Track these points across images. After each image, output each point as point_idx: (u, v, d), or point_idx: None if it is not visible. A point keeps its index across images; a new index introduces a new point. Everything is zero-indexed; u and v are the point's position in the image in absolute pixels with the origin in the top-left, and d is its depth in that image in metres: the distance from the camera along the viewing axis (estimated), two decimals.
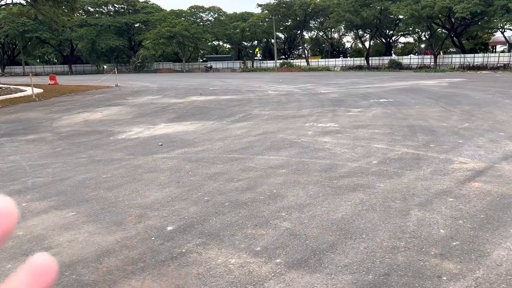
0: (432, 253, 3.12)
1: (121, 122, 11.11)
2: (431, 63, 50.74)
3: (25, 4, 32.67)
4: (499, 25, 43.94)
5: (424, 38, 60.89)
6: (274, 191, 4.67)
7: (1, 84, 30.47)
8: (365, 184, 4.84)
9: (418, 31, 59.13)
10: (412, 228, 3.56)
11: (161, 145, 7.78)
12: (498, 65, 43.39)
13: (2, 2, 32.94)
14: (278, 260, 3.04)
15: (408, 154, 6.37)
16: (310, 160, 6.13)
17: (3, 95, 21.32)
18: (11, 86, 27.35)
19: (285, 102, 14.91)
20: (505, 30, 45.91)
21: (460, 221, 3.71)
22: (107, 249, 3.28)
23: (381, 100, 14.76)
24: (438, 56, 50.42)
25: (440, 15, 43.94)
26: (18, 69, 66.32)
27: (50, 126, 10.70)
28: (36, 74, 60.14)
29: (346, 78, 31.44)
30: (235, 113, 12.19)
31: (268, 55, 72.49)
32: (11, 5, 35.91)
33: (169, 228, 3.69)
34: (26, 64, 70.93)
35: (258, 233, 3.51)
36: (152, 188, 4.97)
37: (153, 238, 3.47)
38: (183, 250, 3.24)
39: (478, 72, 40.37)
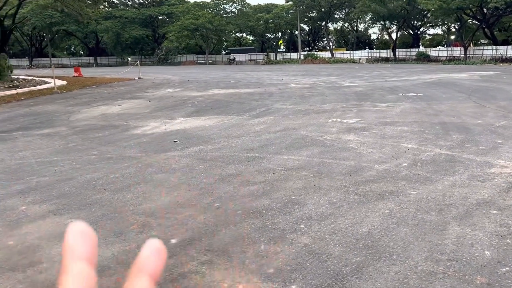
0: (478, 282, 2.63)
1: (139, 116, 10.84)
2: (461, 56, 48.98)
3: None
4: None
5: (453, 30, 58.82)
6: (292, 197, 4.23)
7: (28, 76, 30.89)
8: (394, 191, 4.33)
9: (447, 22, 57.12)
10: (451, 248, 3.06)
11: (176, 141, 7.43)
12: None
13: None
14: (293, 287, 2.61)
15: (442, 155, 5.81)
16: (333, 161, 5.65)
17: (27, 87, 21.46)
18: (37, 78, 27.62)
19: (308, 96, 14.37)
20: None
21: (508, 240, 3.18)
22: (101, 266, 2.92)
23: (410, 94, 14.04)
24: (468, 48, 48.57)
25: (471, 6, 42.17)
26: (45, 61, 67.50)
27: (67, 120, 10.51)
28: (63, 66, 61.19)
29: (372, 71, 30.52)
30: (255, 108, 11.75)
31: (291, 47, 71.57)
32: None
33: (173, 241, 3.30)
34: (53, 56, 72.16)
35: (272, 250, 3.08)
36: (160, 191, 4.60)
37: None
38: (185, 270, 2.84)
39: None
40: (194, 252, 3.10)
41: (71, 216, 3.90)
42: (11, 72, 26.18)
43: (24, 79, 26.85)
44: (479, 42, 56.58)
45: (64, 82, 23.73)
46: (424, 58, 52.13)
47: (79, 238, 0.23)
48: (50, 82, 22.74)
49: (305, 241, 3.22)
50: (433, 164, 5.37)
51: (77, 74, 32.44)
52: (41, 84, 22.89)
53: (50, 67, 24.57)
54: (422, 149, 6.18)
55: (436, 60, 50.92)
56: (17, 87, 21.16)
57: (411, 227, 3.44)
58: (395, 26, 58.82)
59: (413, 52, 55.62)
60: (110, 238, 3.38)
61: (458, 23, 49.63)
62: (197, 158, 6.10)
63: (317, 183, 4.67)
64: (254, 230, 3.46)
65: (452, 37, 60.86)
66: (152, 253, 0.25)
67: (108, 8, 64.60)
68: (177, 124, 9.34)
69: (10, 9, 29.68)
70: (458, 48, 51.64)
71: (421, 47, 61.57)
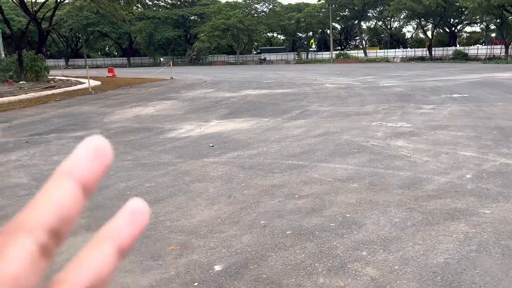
0: None
1: (173, 118, 10.57)
2: (502, 54, 46.82)
3: None
4: None
5: (493, 27, 56.36)
6: (347, 215, 3.76)
7: (63, 76, 31.52)
8: (464, 210, 3.79)
9: (486, 20, 54.77)
10: None
11: (212, 146, 7.07)
12: None
13: None
14: None
15: (509, 166, 5.19)
16: (385, 171, 5.13)
17: (63, 87, 21.76)
18: (72, 79, 28.10)
19: (346, 97, 13.78)
20: None
21: None
22: None
23: (454, 95, 13.23)
24: (510, 46, 46.38)
25: None
26: (80, 61, 69.14)
27: (101, 122, 10.36)
28: (97, 67, 62.51)
29: (408, 70, 29.44)
30: (291, 109, 11.29)
31: (323, 46, 70.54)
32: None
33: (217, 267, 2.89)
34: (88, 57, 73.84)
35: (333, 284, 2.63)
36: (199, 204, 4.21)
37: (196, 284, 2.69)
38: None
39: None
40: (242, 283, 2.68)
41: None
42: (48, 72, 26.72)
43: (60, 80, 27.37)
44: None
45: (98, 83, 23.96)
46: (461, 57, 50.23)
47: (89, 156, 0.19)
48: (84, 83, 22.98)
49: (371, 273, 2.74)
50: (501, 176, 4.77)
51: (110, 75, 32.84)
52: (76, 85, 23.18)
53: (85, 68, 24.89)
54: (484, 158, 5.57)
55: (475, 59, 48.94)
56: (53, 87, 21.49)
57: (496, 257, 2.91)
58: (431, 24, 56.95)
59: (450, 50, 53.72)
60: (147, 262, 3.01)
61: (499, 20, 47.46)
62: (235, 166, 5.70)
63: (373, 198, 4.17)
64: (308, 256, 3.01)
65: (493, 34, 58.41)
66: (128, 217, 0.20)
67: (140, 9, 65.52)
68: (212, 127, 9.00)
69: (47, 12, 30.31)
70: (499, 46, 49.44)
71: (457, 45, 59.40)
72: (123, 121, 10.28)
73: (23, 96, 16.57)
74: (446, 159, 5.57)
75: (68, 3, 43.07)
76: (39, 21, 25.76)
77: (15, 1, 25.98)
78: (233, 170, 5.45)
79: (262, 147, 6.81)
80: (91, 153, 0.20)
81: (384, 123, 8.56)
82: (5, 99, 15.61)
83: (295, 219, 3.72)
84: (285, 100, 13.56)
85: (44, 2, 27.59)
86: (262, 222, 3.68)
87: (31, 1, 28.47)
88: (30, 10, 25.59)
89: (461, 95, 13.09)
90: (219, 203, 4.23)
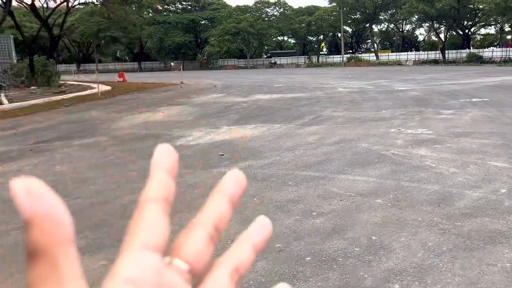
0: None
1: (182, 124, 10.25)
2: None
3: (97, 3, 33.66)
4: None
5: (508, 29, 55.34)
6: (373, 237, 3.35)
7: (74, 81, 31.52)
8: (506, 232, 3.36)
9: (500, 22, 53.77)
10: None
11: (222, 155, 6.71)
12: None
13: (76, 3, 33.98)
14: None
15: None
16: (410, 184, 4.71)
17: (73, 92, 21.67)
18: (83, 83, 28.06)
19: (360, 102, 13.35)
20: None
21: None
22: None
23: (474, 99, 12.71)
24: None
25: None
26: (92, 66, 69.53)
27: (109, 128, 10.08)
28: (108, 71, 62.73)
29: (423, 73, 28.83)
30: (303, 115, 10.90)
31: (334, 49, 70.05)
32: (84, 5, 37.18)
33: None
34: (100, 61, 74.27)
35: None
36: None
37: None
38: None
39: None
40: None
41: (104, 257, 3.22)
42: (59, 77, 26.71)
43: (71, 85, 27.35)
44: None
45: (108, 88, 23.81)
46: (476, 60, 49.34)
47: (164, 155, 0.26)
48: (94, 88, 22.85)
49: None
50: None
51: (121, 79, 32.77)
52: (86, 90, 23.07)
53: (97, 72, 24.82)
54: None
55: (490, 61, 48.06)
56: (64, 92, 21.41)
57: None
58: (444, 27, 56.13)
59: (464, 53, 52.84)
60: None
61: None
62: (247, 177, 5.28)
63: (400, 216, 3.77)
64: None
65: (508, 37, 57.36)
66: (232, 181, 0.27)
67: (152, 14, 65.71)
68: (222, 134, 8.65)
69: (58, 17, 30.39)
70: None
71: (471, 48, 58.45)
72: (131, 128, 9.99)
73: (33, 101, 16.44)
74: (475, 171, 5.13)
75: (79, 8, 43.29)
76: (50, 26, 25.77)
77: (27, 7, 26.05)
78: None
79: (274, 156, 6.43)
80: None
81: (403, 130, 8.13)
82: (15, 104, 15.49)
83: (314, 242, 3.33)
84: (297, 105, 13.17)
85: (55, 8, 27.65)
86: (278, 245, 3.30)
87: (43, 7, 28.56)
88: (42, 16, 25.63)
89: (481, 99, 12.57)
90: (230, 220, 3.85)
